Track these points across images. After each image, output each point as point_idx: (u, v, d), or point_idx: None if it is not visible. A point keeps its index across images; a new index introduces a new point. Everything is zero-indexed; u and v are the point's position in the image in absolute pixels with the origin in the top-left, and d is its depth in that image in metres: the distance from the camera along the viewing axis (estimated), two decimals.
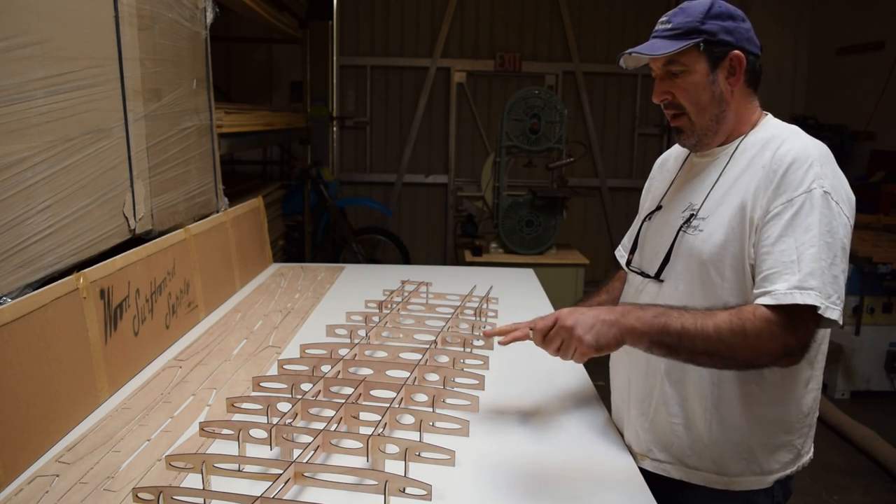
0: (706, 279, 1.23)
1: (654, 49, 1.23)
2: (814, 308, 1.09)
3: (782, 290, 1.10)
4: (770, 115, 1.32)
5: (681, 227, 1.28)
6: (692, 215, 1.28)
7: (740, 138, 1.28)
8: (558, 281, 3.82)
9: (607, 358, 1.48)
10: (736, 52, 1.23)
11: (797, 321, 1.10)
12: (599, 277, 6.28)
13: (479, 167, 4.87)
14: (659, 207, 1.40)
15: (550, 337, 1.16)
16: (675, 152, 1.48)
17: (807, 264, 1.10)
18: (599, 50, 6.11)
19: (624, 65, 1.32)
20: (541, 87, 4.12)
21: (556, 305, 2.32)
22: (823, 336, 1.27)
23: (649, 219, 1.42)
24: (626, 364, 1.39)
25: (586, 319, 1.13)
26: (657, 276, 1.31)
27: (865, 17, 5.43)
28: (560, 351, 1.15)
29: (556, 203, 4.00)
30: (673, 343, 1.11)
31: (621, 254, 1.57)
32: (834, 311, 1.10)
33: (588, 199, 6.00)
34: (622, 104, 6.24)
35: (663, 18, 1.27)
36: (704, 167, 1.33)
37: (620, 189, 6.25)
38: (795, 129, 1.26)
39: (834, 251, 1.12)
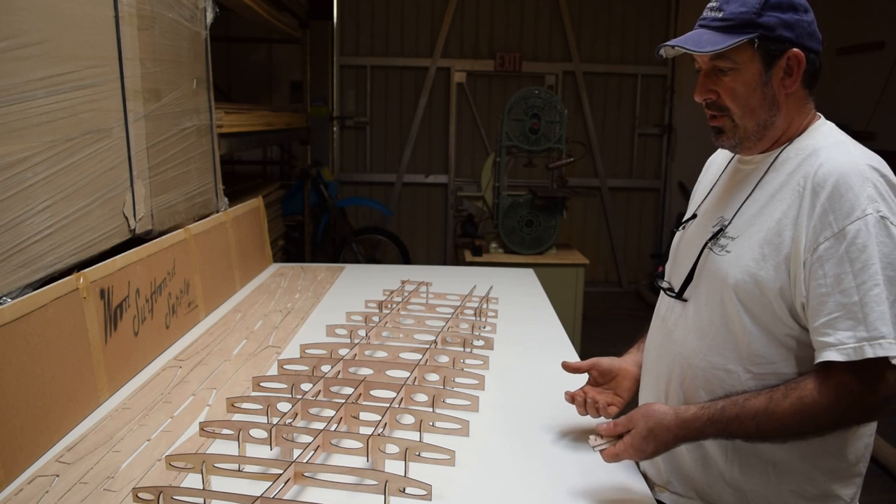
0: (730, 307, 1.11)
1: (700, 45, 1.07)
2: (887, 358, 0.97)
3: (850, 343, 0.98)
4: (822, 119, 1.17)
5: (707, 242, 1.17)
6: (720, 230, 1.16)
7: (784, 146, 1.13)
8: (558, 281, 3.81)
9: None
10: (795, 50, 1.07)
11: (869, 377, 0.98)
12: (599, 277, 6.30)
13: (479, 167, 4.87)
14: (694, 216, 1.29)
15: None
16: (723, 154, 1.33)
17: (872, 308, 0.97)
18: (599, 50, 6.10)
19: (664, 54, 1.18)
20: (541, 87, 4.12)
21: (556, 305, 2.32)
22: None
23: (683, 228, 1.30)
24: (646, 396, 1.31)
25: (648, 455, 1.08)
26: (679, 295, 1.21)
27: (865, 17, 5.42)
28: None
29: (556, 203, 4.00)
30: (748, 440, 1.08)
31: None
32: None
33: (588, 199, 6.00)
34: (622, 104, 6.23)
35: (713, 3, 1.11)
36: (745, 176, 1.19)
37: (620, 189, 6.25)
38: (844, 138, 1.12)
39: None
